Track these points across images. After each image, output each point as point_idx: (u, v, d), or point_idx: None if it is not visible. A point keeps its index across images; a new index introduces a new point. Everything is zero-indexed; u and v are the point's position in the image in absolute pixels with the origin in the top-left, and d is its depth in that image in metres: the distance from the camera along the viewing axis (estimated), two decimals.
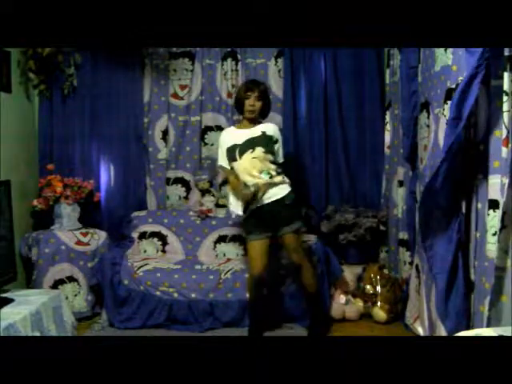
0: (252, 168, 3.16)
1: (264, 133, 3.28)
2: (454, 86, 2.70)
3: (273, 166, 3.23)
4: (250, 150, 3.20)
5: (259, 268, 3.23)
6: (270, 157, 3.24)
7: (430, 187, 2.75)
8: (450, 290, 2.70)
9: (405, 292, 3.70)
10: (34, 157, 4.21)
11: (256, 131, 3.28)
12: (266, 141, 3.25)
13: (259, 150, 3.20)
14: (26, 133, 4.08)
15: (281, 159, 3.39)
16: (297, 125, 4.36)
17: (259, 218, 3.24)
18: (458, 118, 2.49)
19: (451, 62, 2.76)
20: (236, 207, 3.35)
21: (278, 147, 3.35)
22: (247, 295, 3.48)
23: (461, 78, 2.62)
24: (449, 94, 2.76)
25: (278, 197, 3.20)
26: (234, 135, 3.32)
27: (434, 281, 2.87)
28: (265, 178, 3.17)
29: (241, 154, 3.22)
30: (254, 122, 3.33)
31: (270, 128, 3.34)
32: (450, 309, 2.70)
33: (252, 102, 3.25)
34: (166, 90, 4.36)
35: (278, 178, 3.22)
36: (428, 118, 3.16)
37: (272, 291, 3.59)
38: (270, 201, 3.20)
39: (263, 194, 3.19)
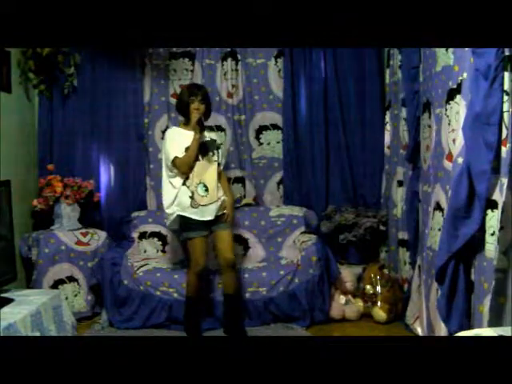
0: (205, 173, 3.37)
1: (212, 139, 3.49)
2: (455, 87, 2.69)
3: (218, 174, 3.44)
4: (205, 156, 3.40)
5: (201, 264, 3.36)
6: (216, 163, 3.45)
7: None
8: (453, 291, 2.68)
9: (406, 292, 3.70)
10: (34, 157, 4.20)
11: (205, 136, 3.46)
12: (213, 147, 3.46)
13: (210, 156, 3.42)
14: (25, 133, 4.08)
15: (222, 165, 3.57)
16: (297, 125, 4.37)
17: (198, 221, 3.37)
18: (487, 124, 2.35)
19: (452, 62, 2.75)
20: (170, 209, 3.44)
21: (222, 152, 3.56)
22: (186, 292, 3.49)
23: (460, 78, 2.62)
24: (450, 94, 2.75)
25: (220, 213, 3.44)
26: (185, 136, 3.37)
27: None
28: (213, 192, 3.39)
29: (196, 158, 3.36)
30: (200, 124, 3.39)
31: (213, 134, 3.61)
32: (453, 311, 2.69)
33: (197, 106, 3.36)
34: (166, 89, 4.36)
35: (221, 191, 3.46)
36: (429, 118, 3.15)
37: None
38: (211, 218, 3.38)
39: (204, 206, 3.35)
